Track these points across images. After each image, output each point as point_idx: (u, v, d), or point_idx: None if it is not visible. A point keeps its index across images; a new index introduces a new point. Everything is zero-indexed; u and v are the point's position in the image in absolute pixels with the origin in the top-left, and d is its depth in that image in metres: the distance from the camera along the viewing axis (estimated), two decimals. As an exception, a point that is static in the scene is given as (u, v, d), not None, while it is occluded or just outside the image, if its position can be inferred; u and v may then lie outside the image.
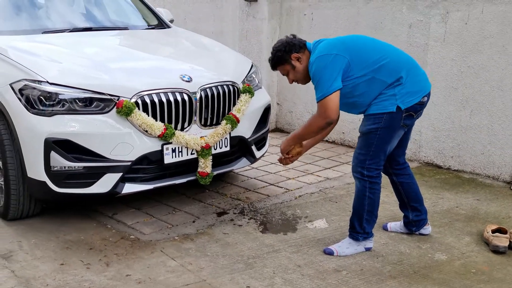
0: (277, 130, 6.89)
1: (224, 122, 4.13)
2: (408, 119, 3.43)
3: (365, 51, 3.40)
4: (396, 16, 5.50)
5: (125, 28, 5.12)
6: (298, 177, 5.10)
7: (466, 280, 3.26)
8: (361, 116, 3.52)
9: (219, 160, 4.23)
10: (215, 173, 4.16)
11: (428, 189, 4.72)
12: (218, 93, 4.14)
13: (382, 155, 3.44)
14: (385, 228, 3.91)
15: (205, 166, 4.06)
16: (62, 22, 4.81)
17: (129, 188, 3.88)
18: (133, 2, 5.59)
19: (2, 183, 3.97)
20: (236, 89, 4.29)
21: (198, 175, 4.08)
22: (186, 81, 4.01)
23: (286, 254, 3.57)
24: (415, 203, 3.74)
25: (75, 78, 3.80)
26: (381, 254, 3.57)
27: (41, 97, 3.67)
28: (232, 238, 3.81)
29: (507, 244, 3.58)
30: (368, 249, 3.60)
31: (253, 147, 4.48)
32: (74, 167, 3.70)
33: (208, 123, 4.11)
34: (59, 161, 3.66)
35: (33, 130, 3.67)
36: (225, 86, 4.21)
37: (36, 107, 3.67)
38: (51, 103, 3.67)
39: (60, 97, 3.68)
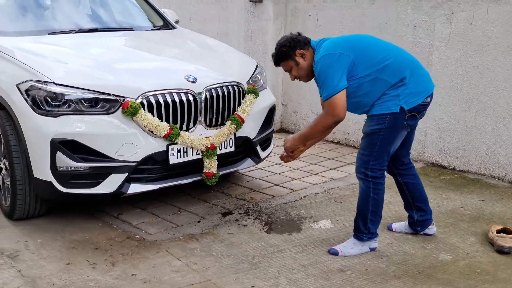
0: (282, 130, 6.90)
1: (229, 122, 4.14)
2: (411, 120, 3.43)
3: (370, 50, 3.41)
4: (401, 16, 5.51)
5: (131, 29, 5.14)
6: (303, 177, 5.10)
7: (470, 280, 3.26)
8: (366, 117, 3.52)
9: (224, 160, 4.24)
10: (221, 173, 4.18)
11: (433, 189, 4.72)
12: (223, 94, 4.16)
13: (386, 156, 3.44)
14: (389, 229, 3.92)
15: (210, 166, 4.07)
16: (68, 23, 4.84)
17: (135, 188, 3.89)
18: (138, 3, 5.61)
19: (9, 183, 4.00)
20: (241, 89, 4.30)
21: (204, 175, 4.09)
22: (191, 81, 4.02)
23: (290, 254, 3.58)
24: (420, 203, 3.74)
25: (81, 79, 3.82)
26: (385, 254, 3.58)
27: (47, 97, 3.69)
28: (237, 238, 3.82)
29: (512, 244, 3.59)
30: (372, 249, 3.60)
31: (258, 148, 4.49)
32: (80, 167, 3.72)
33: (213, 124, 4.12)
34: (65, 161, 3.68)
35: (39, 130, 3.69)
36: (230, 87, 4.22)
37: (42, 107, 3.69)
38: (57, 103, 3.69)
39: (66, 97, 3.70)
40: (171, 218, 4.16)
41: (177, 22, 5.59)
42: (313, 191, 4.72)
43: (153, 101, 3.83)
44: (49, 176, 3.72)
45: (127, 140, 3.77)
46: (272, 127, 4.72)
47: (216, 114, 4.12)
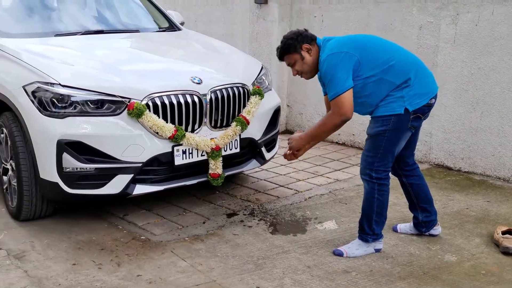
0: (287, 132, 6.90)
1: (234, 124, 4.16)
2: (416, 121, 3.43)
3: (375, 51, 3.41)
4: (406, 17, 5.50)
5: (136, 31, 5.16)
6: (308, 178, 5.11)
7: (475, 281, 3.26)
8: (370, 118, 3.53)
9: (229, 161, 4.25)
10: (226, 174, 4.19)
11: (439, 190, 4.72)
12: (228, 95, 4.17)
13: (390, 157, 3.44)
14: (395, 230, 3.92)
15: (216, 167, 4.08)
16: (74, 25, 4.86)
17: (140, 189, 3.91)
18: (144, 4, 5.63)
19: (15, 184, 4.02)
20: (246, 91, 4.31)
21: (209, 176, 4.10)
22: (197, 83, 4.04)
23: (295, 255, 3.59)
24: (425, 204, 3.74)
25: (87, 81, 3.84)
26: (390, 255, 3.58)
27: (53, 99, 3.71)
28: (242, 239, 3.83)
29: (517, 245, 3.58)
30: (377, 251, 3.61)
31: (263, 149, 4.50)
32: (86, 168, 3.73)
33: (218, 125, 4.13)
34: (71, 162, 3.70)
35: (45, 132, 3.71)
36: (235, 88, 4.23)
37: (49, 109, 3.71)
38: (64, 105, 3.71)
39: (72, 99, 3.72)
40: (176, 219, 4.18)
41: (182, 23, 5.60)
42: (318, 192, 4.73)
43: (158, 102, 3.85)
44: (55, 177, 3.74)
45: (133, 141, 3.78)
46: (277, 129, 4.72)
47: (221, 115, 4.13)
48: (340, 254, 3.57)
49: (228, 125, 4.17)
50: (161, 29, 5.36)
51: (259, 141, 4.42)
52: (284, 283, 3.24)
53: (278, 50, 3.58)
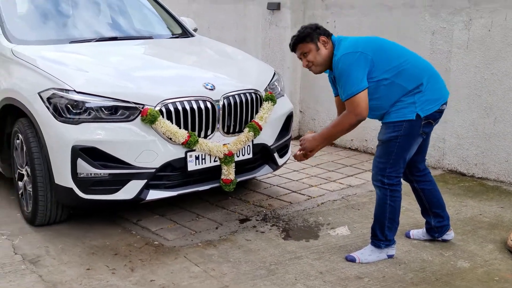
0: (300, 137, 6.90)
1: (246, 129, 4.17)
2: (427, 127, 3.43)
3: (388, 54, 3.41)
4: (419, 23, 5.50)
5: (150, 37, 5.20)
6: (320, 184, 5.11)
7: (488, 287, 3.26)
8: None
9: (242, 167, 4.27)
10: (238, 179, 4.20)
11: (452, 196, 4.70)
12: (241, 101, 4.19)
13: (402, 163, 3.44)
14: (407, 236, 3.91)
15: (228, 173, 4.10)
16: (88, 32, 4.91)
17: (153, 194, 3.93)
18: (157, 11, 5.68)
19: (30, 189, 4.06)
20: (258, 97, 4.33)
21: (222, 182, 4.12)
22: (210, 89, 4.06)
23: (308, 261, 3.59)
24: (437, 209, 3.73)
25: (101, 87, 3.88)
26: (403, 261, 3.57)
27: (68, 105, 3.75)
28: (255, 245, 3.84)
29: (531, 252, 3.56)
30: (390, 257, 3.60)
31: (276, 155, 4.51)
32: (100, 174, 3.77)
33: (231, 131, 4.15)
34: (85, 168, 3.74)
35: (60, 137, 3.75)
36: (248, 94, 4.25)
37: (64, 115, 3.75)
38: (78, 111, 3.75)
39: (87, 105, 3.75)
40: (190, 225, 4.20)
41: (195, 30, 5.64)
42: (331, 198, 4.73)
43: (171, 108, 3.87)
44: (70, 183, 3.78)
45: (146, 147, 3.81)
46: (289, 134, 4.73)
47: (234, 121, 4.15)
48: (352, 260, 3.57)
49: (240, 131, 4.19)
50: (174, 36, 5.40)
51: (271, 147, 4.43)
52: (297, 288, 3.25)
53: (293, 38, 3.53)
